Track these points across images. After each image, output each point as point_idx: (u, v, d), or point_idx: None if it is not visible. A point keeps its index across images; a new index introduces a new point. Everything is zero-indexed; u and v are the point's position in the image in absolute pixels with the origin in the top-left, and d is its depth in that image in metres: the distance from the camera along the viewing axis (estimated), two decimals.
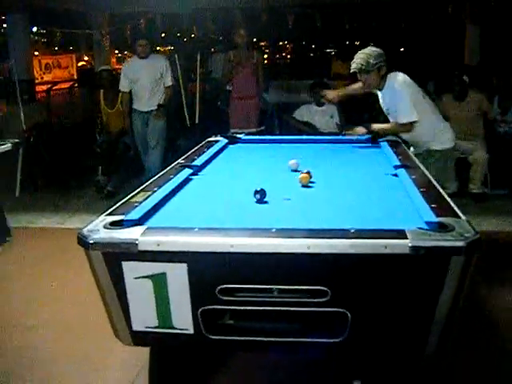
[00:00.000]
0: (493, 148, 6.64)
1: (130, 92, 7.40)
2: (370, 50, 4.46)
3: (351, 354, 2.66)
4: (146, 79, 7.19)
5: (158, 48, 14.36)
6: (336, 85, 9.45)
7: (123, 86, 7.36)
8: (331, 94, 5.07)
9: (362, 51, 4.45)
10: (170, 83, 7.33)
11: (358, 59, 4.41)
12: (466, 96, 6.69)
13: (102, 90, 7.62)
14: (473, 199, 6.43)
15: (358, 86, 4.83)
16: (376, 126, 4.64)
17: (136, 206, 2.71)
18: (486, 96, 6.90)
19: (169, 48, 14.77)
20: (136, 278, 2.33)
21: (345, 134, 4.96)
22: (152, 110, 7.24)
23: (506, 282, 4.35)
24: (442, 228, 2.29)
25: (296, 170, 3.53)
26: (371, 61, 4.38)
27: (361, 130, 4.67)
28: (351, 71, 4.49)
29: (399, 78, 4.49)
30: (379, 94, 4.69)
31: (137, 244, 2.27)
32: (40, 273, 4.77)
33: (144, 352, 2.81)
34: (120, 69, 8.91)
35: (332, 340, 2.35)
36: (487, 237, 4.94)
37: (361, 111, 8.51)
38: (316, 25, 11.56)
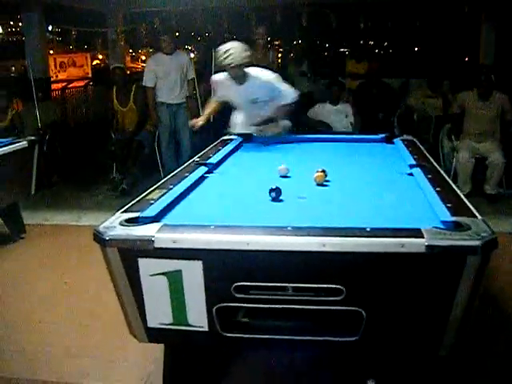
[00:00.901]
0: (508, 148, 6.58)
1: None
2: (240, 44, 4.64)
3: (366, 353, 2.65)
4: (175, 73, 7.55)
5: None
6: (349, 83, 9.49)
7: (149, 80, 7.54)
8: (199, 120, 4.96)
9: (234, 46, 4.58)
10: (192, 76, 7.75)
11: (236, 53, 4.52)
12: (490, 95, 6.62)
13: (114, 87, 7.66)
14: (487, 200, 6.39)
15: (213, 100, 5.14)
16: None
17: (152, 204, 2.73)
18: (508, 97, 6.83)
19: (185, 47, 14.83)
20: (151, 275, 2.35)
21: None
22: (182, 102, 7.65)
23: None
24: (457, 227, 2.28)
25: (285, 176, 3.49)
26: (243, 55, 4.57)
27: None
28: (228, 65, 4.56)
29: (259, 69, 4.83)
30: (233, 87, 4.79)
31: (153, 241, 2.28)
32: (54, 269, 4.79)
33: (158, 349, 2.83)
34: (134, 67, 9.00)
35: (347, 339, 2.35)
36: (502, 238, 4.91)
37: (376, 111, 8.51)
38: (330, 24, 11.54)
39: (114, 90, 7.64)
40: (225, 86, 4.87)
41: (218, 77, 4.93)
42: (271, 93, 4.78)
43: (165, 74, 7.50)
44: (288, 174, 3.49)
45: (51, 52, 14.24)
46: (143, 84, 7.62)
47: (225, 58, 4.51)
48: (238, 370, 3.19)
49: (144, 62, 27.42)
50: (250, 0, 10.25)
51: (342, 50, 19.59)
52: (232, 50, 4.52)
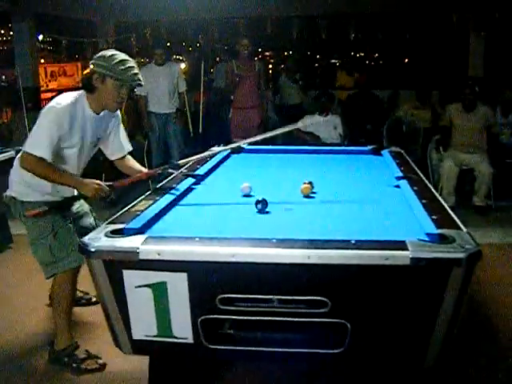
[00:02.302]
0: (496, 160, 6.62)
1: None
2: None
3: (351, 365, 2.65)
4: (165, 84, 7.64)
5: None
6: (340, 95, 9.54)
7: (141, 89, 7.54)
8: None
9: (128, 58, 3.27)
10: (184, 88, 7.78)
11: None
12: (475, 107, 6.67)
13: None
14: (476, 212, 6.41)
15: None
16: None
17: (137, 215, 2.72)
18: (492, 109, 6.89)
19: (174, 57, 14.84)
20: (136, 287, 2.34)
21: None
22: (171, 113, 7.70)
23: (509, 294, 4.33)
24: (442, 239, 2.29)
25: (248, 195, 3.25)
26: None
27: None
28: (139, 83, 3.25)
29: None
30: (81, 113, 3.21)
31: (138, 252, 2.28)
32: (42, 279, 4.73)
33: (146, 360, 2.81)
34: None
35: (331, 351, 2.35)
36: (490, 249, 4.94)
37: (364, 122, 8.55)
38: (321, 35, 11.61)
39: None
40: (76, 117, 3.21)
41: (71, 100, 3.20)
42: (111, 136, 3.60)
43: (154, 84, 7.54)
44: (251, 193, 3.25)
45: (42, 61, 14.20)
46: (136, 92, 7.65)
47: (135, 71, 3.19)
48: (224, 381, 3.18)
49: None
50: (241, 11, 10.27)
51: (332, 61, 19.71)
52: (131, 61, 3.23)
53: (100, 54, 3.19)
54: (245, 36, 7.81)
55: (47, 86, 11.91)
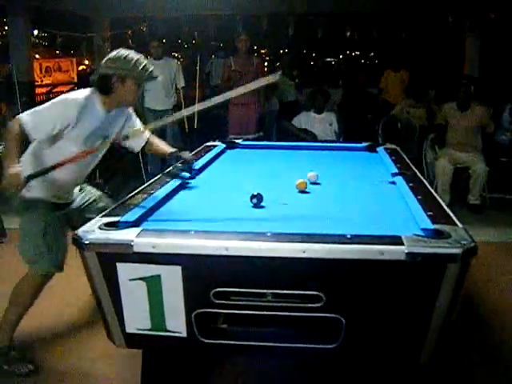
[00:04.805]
0: (491, 158, 6.63)
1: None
2: None
3: (346, 360, 2.64)
4: (161, 79, 7.44)
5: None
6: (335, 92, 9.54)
7: None
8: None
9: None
10: (183, 84, 7.81)
11: None
12: (469, 106, 6.68)
13: None
14: (470, 210, 6.42)
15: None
16: None
17: (132, 208, 2.71)
18: (488, 109, 6.89)
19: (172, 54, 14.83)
20: (130, 280, 2.33)
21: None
22: (168, 109, 7.64)
23: (502, 291, 4.34)
24: (438, 235, 2.28)
25: (315, 183, 3.47)
26: None
27: None
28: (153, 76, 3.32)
29: None
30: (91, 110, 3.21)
31: (132, 245, 2.26)
32: None
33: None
34: None
35: (326, 346, 2.34)
36: (485, 247, 4.94)
37: (359, 119, 8.55)
38: (317, 33, 11.60)
39: None
40: (87, 112, 3.22)
41: (82, 98, 3.19)
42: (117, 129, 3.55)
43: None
44: (317, 181, 3.47)
45: (37, 56, 14.15)
46: None
47: (148, 66, 3.23)
48: (218, 375, 3.17)
49: None
50: (237, 8, 10.26)
51: (328, 59, 19.73)
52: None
53: (113, 56, 3.16)
54: (243, 32, 7.77)
55: (42, 81, 11.87)
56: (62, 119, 3.04)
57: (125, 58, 3.15)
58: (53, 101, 3.12)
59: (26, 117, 3.01)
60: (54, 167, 3.09)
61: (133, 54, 3.19)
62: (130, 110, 3.48)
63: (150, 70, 3.21)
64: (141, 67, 3.15)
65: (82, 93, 3.19)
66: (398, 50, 11.45)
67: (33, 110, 3.07)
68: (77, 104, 3.09)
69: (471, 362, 3.33)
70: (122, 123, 3.43)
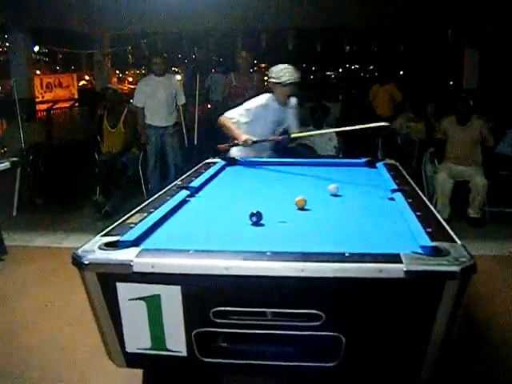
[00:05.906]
0: (490, 171, 6.64)
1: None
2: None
3: (345, 379, 2.64)
4: (163, 95, 7.60)
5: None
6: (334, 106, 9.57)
7: (139, 101, 7.64)
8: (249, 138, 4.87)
9: (289, 66, 4.90)
10: (183, 101, 7.84)
11: (294, 71, 4.86)
12: (468, 120, 6.70)
13: (106, 108, 7.69)
14: (470, 224, 6.43)
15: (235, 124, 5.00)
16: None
17: (132, 227, 2.71)
18: (487, 122, 6.91)
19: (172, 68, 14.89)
20: (130, 300, 2.33)
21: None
22: (169, 126, 7.70)
23: (503, 305, 4.33)
24: (436, 252, 2.29)
25: (336, 195, 3.58)
26: (297, 74, 4.91)
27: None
28: (291, 81, 4.83)
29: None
30: (276, 109, 5.03)
31: (131, 265, 2.27)
32: (35, 292, 4.75)
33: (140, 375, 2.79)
34: (121, 89, 9.06)
35: (326, 364, 2.34)
36: (486, 261, 4.94)
37: (359, 134, 8.56)
38: (316, 48, 11.65)
39: (106, 110, 7.67)
40: (268, 108, 4.98)
41: (264, 100, 4.99)
42: (290, 117, 5.21)
43: (152, 95, 7.56)
44: (338, 193, 3.62)
45: (38, 72, 14.25)
46: (134, 104, 7.69)
47: (288, 74, 4.80)
48: None
49: (131, 83, 27.46)
50: (237, 23, 10.32)
51: (327, 73, 19.80)
52: (290, 68, 4.86)
53: (270, 70, 4.97)
54: (243, 48, 7.85)
55: (43, 97, 11.95)
56: (246, 112, 4.92)
57: (273, 70, 4.91)
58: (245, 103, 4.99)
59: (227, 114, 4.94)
60: (268, 140, 4.97)
61: (279, 66, 4.88)
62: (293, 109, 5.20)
63: (289, 75, 4.79)
64: (281, 74, 4.81)
65: (265, 96, 4.99)
66: (391, 64, 11.48)
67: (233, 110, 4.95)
68: (258, 104, 4.94)
69: (472, 378, 3.32)
70: (289, 113, 5.17)
